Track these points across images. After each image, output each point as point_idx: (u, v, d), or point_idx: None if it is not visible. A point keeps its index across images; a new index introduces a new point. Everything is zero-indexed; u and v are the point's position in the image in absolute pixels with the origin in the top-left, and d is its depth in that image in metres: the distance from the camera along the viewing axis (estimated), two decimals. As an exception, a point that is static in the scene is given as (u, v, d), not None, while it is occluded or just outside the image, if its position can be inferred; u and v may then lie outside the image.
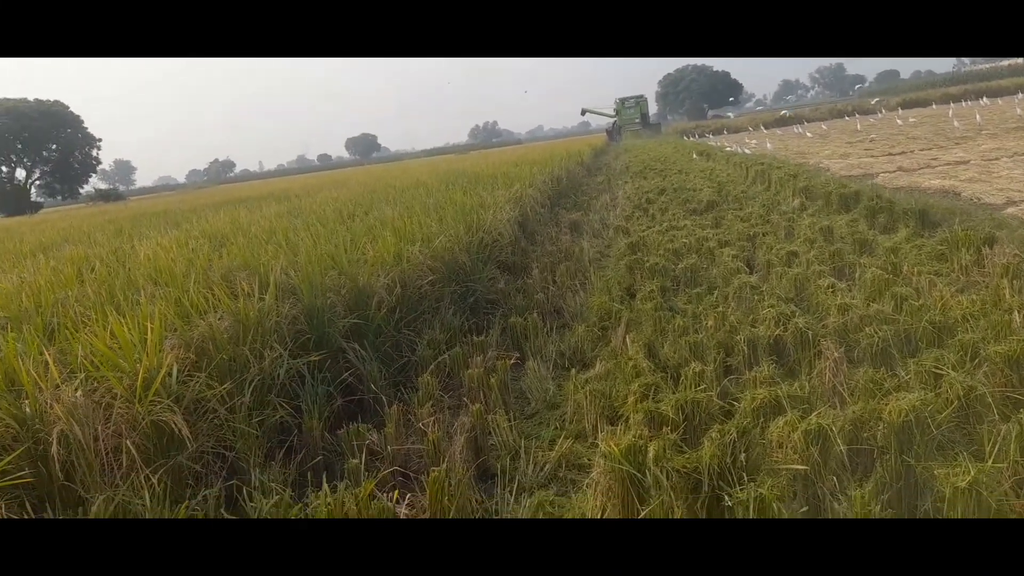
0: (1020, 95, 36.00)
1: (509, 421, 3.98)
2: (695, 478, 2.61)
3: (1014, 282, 4.82)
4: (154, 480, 2.87)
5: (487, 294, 6.42)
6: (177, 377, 3.38)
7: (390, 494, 2.80)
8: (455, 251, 6.32)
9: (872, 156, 15.76)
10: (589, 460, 3.41)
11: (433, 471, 2.88)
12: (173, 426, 3.11)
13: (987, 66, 71.01)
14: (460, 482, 2.91)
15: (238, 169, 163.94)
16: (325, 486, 2.73)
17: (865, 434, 2.83)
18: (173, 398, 3.23)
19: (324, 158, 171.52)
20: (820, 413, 2.85)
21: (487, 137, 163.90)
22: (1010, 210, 7.69)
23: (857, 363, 3.93)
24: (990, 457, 2.51)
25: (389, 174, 24.76)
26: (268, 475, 3.21)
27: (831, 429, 2.68)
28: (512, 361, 4.63)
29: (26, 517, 2.48)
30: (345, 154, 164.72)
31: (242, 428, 3.46)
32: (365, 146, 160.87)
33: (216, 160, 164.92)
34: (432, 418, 3.76)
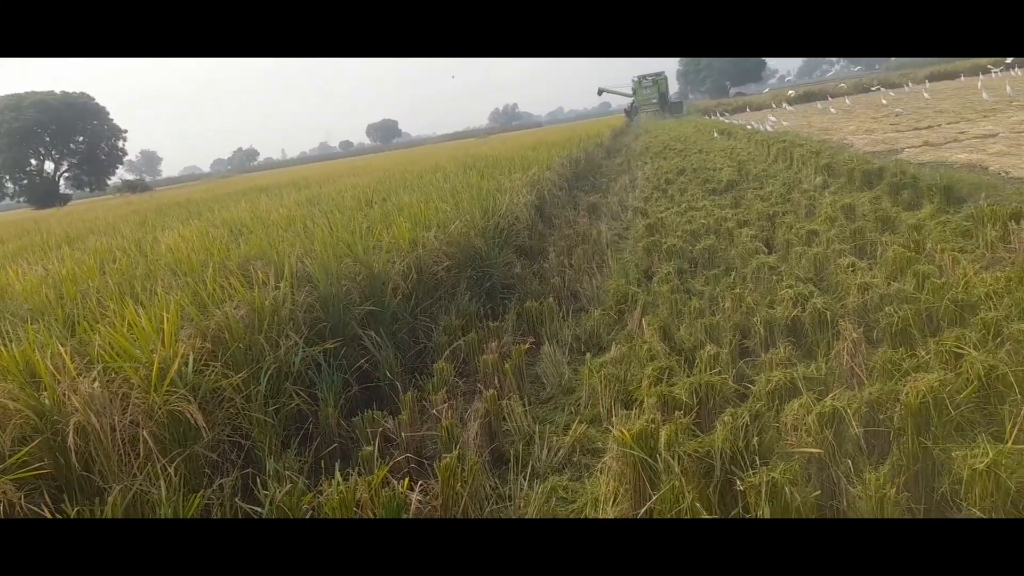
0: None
1: (524, 406, 3.98)
2: (707, 463, 2.59)
3: (1042, 258, 4.70)
4: (170, 469, 2.91)
5: (503, 279, 6.40)
6: (193, 367, 3.42)
7: (402, 481, 2.82)
8: (471, 236, 6.30)
9: (898, 131, 15.42)
10: (603, 445, 3.40)
11: (445, 457, 2.89)
12: (189, 416, 3.15)
13: (1020, 35, 68.77)
14: (473, 468, 2.91)
15: (261, 158, 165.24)
16: (337, 474, 2.75)
17: (882, 416, 2.78)
18: (189, 388, 3.27)
19: (346, 144, 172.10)
20: (836, 395, 2.81)
21: (507, 120, 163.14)
22: (1040, 183, 7.49)
23: (876, 343, 3.86)
24: (1010, 438, 2.45)
25: (408, 160, 24.78)
26: (283, 463, 3.24)
27: (846, 411, 2.64)
28: (527, 346, 4.62)
29: (43, 510, 2.52)
30: (367, 140, 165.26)
31: (258, 417, 3.50)
32: (386, 132, 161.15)
33: (240, 149, 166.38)
34: (446, 404, 3.77)
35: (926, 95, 25.54)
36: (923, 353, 3.48)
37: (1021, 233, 5.21)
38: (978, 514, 2.26)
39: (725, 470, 2.52)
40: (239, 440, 3.45)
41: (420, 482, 2.93)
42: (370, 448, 3.29)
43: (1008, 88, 21.28)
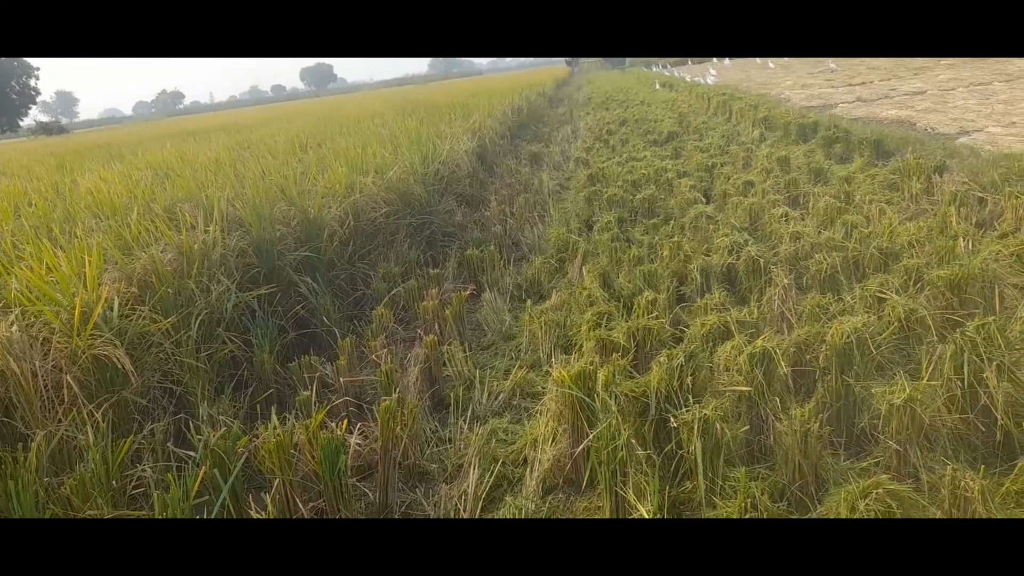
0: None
1: (464, 352, 3.98)
2: (643, 402, 2.65)
3: (960, 209, 4.92)
4: (98, 415, 2.82)
5: (444, 227, 6.33)
6: (119, 311, 3.29)
7: (341, 424, 2.79)
8: (410, 182, 6.18)
9: (833, 87, 15.76)
10: (543, 388, 3.44)
11: (384, 400, 2.87)
12: (116, 360, 3.03)
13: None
14: (412, 411, 2.91)
15: (187, 101, 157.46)
16: (274, 418, 2.70)
17: (809, 356, 2.89)
18: (115, 332, 3.14)
19: (278, 89, 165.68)
20: (766, 337, 2.90)
21: (447, 68, 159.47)
22: (962, 139, 7.79)
23: (806, 289, 4.00)
24: (925, 376, 2.59)
25: (345, 105, 24.00)
26: (217, 408, 3.17)
27: (775, 352, 2.72)
28: (468, 293, 4.60)
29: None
30: (300, 85, 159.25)
31: (189, 362, 3.40)
32: (321, 77, 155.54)
33: (164, 92, 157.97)
34: (386, 350, 3.74)
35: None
36: (849, 298, 3.63)
37: (943, 185, 5.44)
38: (893, 445, 2.39)
39: (660, 408, 2.59)
40: (170, 386, 3.35)
41: (359, 424, 2.92)
42: (307, 393, 3.24)
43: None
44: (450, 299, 4.45)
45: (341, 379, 3.53)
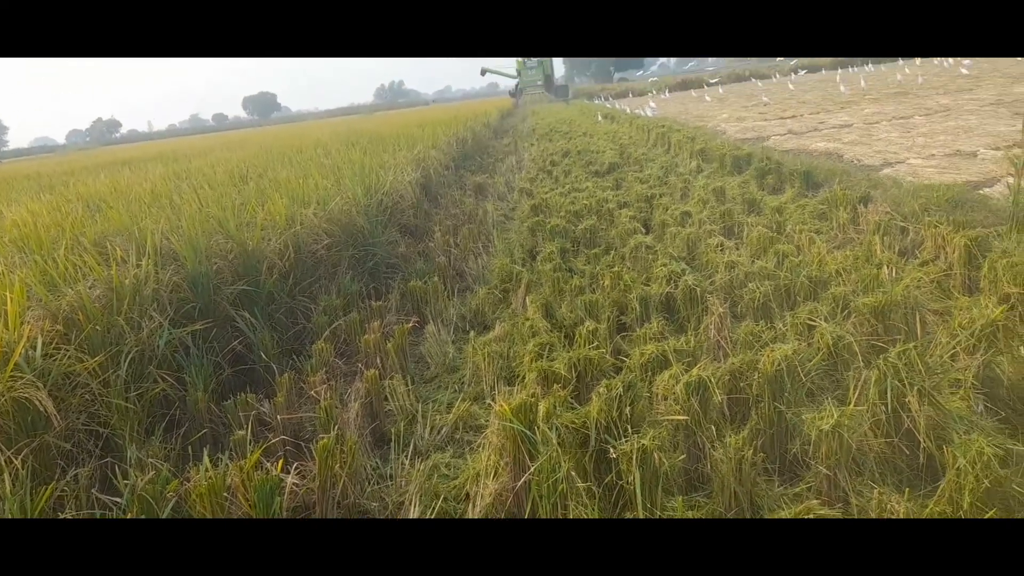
0: (901, 61, 38.33)
1: (406, 386, 3.94)
2: (583, 433, 2.67)
3: (884, 238, 5.15)
4: (16, 461, 2.68)
5: (387, 258, 6.30)
6: (42, 351, 3.15)
7: (277, 463, 2.72)
8: (353, 214, 6.14)
9: (765, 119, 16.39)
10: (486, 421, 3.43)
11: (322, 438, 2.81)
12: (38, 403, 2.90)
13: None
14: (351, 448, 2.85)
15: (124, 129, 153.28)
16: (206, 459, 2.62)
17: (742, 384, 2.96)
18: (37, 373, 3.00)
19: (220, 118, 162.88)
20: (702, 366, 2.96)
21: (393, 97, 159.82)
22: (886, 171, 8.18)
23: (741, 317, 4.11)
24: (852, 401, 2.68)
25: (288, 135, 23.78)
26: (146, 451, 3.05)
27: (711, 380, 2.79)
28: (411, 325, 4.57)
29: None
30: (243, 114, 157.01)
31: (118, 403, 3.27)
32: (264, 105, 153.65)
33: (99, 120, 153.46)
34: (325, 386, 3.68)
35: (791, 87, 27.31)
36: (781, 326, 3.75)
37: (868, 215, 5.69)
38: (823, 470, 2.46)
39: (600, 439, 2.61)
40: (97, 428, 3.21)
41: (296, 463, 2.85)
42: (243, 432, 3.15)
43: (863, 82, 23.09)
44: (393, 332, 4.41)
45: (279, 417, 3.45)
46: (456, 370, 4.34)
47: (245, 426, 3.28)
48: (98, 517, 2.53)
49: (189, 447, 3.21)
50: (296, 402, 3.67)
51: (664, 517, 2.34)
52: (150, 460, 2.94)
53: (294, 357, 4.42)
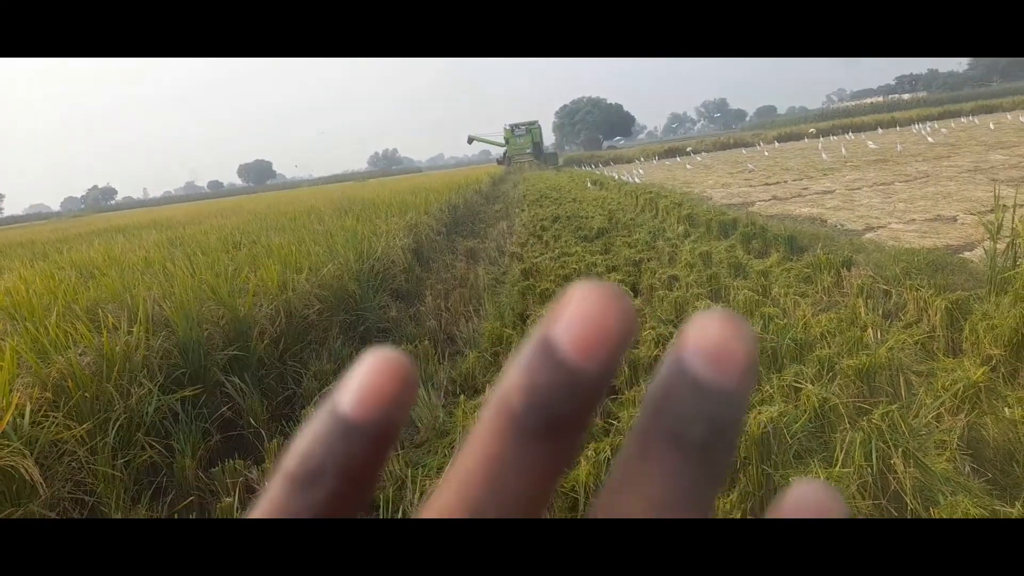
0: (879, 130, 39.70)
1: (396, 451, 3.92)
2: (572, 496, 2.67)
3: (868, 301, 5.25)
4: None
5: (378, 322, 6.33)
6: (30, 418, 3.14)
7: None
8: (344, 279, 6.21)
9: (750, 186, 16.80)
10: (475, 486, 3.41)
11: (310, 505, 2.79)
12: (24, 471, 2.87)
13: (852, 104, 78.24)
14: (339, 515, 2.83)
15: (120, 197, 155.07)
16: (192, 527, 2.59)
17: (731, 447, 2.97)
18: (24, 441, 2.99)
19: (215, 185, 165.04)
20: (691, 428, 2.98)
21: (387, 165, 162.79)
22: (868, 235, 8.38)
23: (729, 380, 4.14)
24: (838, 463, 2.70)
25: (282, 202, 24.10)
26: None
27: (699, 443, 2.80)
28: (401, 389, 4.57)
29: None
30: (238, 181, 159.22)
31: (104, 470, 3.24)
32: (259, 173, 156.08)
33: (95, 187, 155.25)
34: (314, 451, 3.65)
35: (766, 153, 28.10)
36: (768, 388, 3.78)
37: (851, 279, 5.81)
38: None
39: (589, 502, 2.60)
40: (82, 496, 3.17)
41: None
42: (230, 499, 3.12)
43: (843, 150, 23.81)
44: (383, 396, 4.40)
45: (267, 483, 3.41)
46: (446, 434, 4.32)
47: (232, 493, 3.24)
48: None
49: (175, 515, 3.17)
50: (284, 468, 3.65)
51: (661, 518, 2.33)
52: (135, 529, 2.90)
53: (284, 423, 4.40)
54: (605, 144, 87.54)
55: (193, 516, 2.96)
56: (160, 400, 3.78)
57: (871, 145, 24.06)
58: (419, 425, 4.49)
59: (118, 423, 3.46)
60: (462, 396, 4.54)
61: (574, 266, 7.87)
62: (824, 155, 22.57)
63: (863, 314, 4.95)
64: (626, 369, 4.34)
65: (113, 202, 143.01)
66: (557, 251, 9.39)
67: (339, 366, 5.06)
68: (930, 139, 24.22)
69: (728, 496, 2.61)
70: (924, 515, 2.55)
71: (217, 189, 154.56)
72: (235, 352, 4.48)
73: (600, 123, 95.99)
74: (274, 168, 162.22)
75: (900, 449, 2.62)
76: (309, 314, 5.43)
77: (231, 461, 3.55)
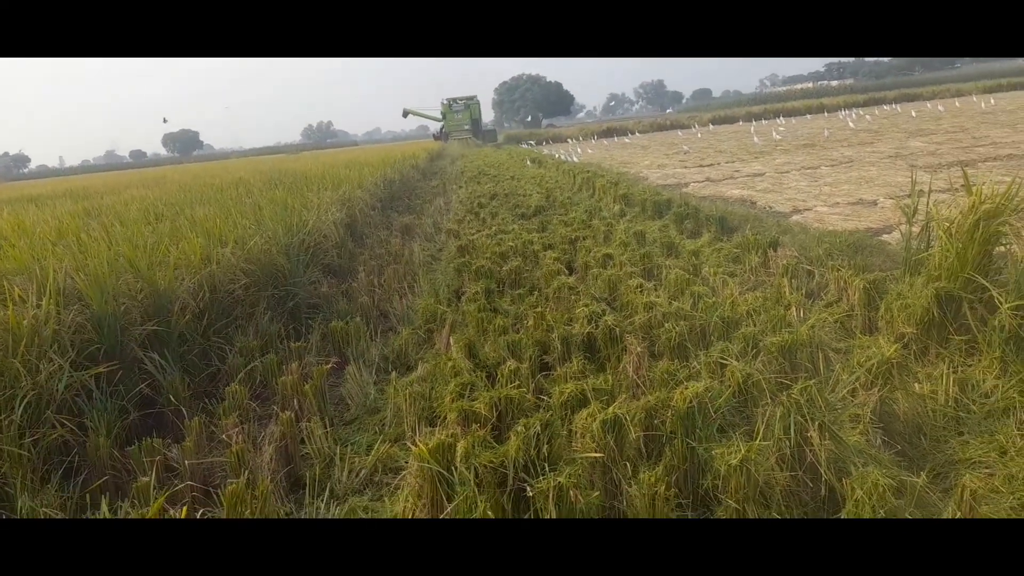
0: (808, 116, 41.05)
1: (325, 428, 3.85)
2: (502, 472, 2.66)
3: (792, 281, 5.42)
4: None
5: (308, 298, 6.18)
6: (-75, 396, 2.94)
7: (183, 510, 2.60)
8: (273, 253, 6.02)
9: (685, 167, 17.10)
10: (406, 462, 3.38)
11: (231, 483, 2.71)
12: (-84, 452, 2.69)
13: (783, 89, 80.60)
14: (263, 493, 2.76)
15: (33, 164, 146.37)
16: (104, 507, 2.48)
17: (657, 421, 3.03)
18: (-84, 420, 2.79)
19: (138, 155, 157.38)
20: (619, 404, 3.02)
21: (321, 138, 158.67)
22: (795, 217, 8.65)
23: (658, 356, 4.22)
24: (758, 436, 2.79)
25: (209, 173, 23.18)
26: (40, 500, 2.86)
27: (626, 418, 2.84)
28: (330, 366, 4.48)
29: None
30: (163, 151, 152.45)
31: (10, 450, 3.06)
32: (185, 143, 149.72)
33: (6, 154, 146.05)
34: (238, 429, 3.55)
35: (699, 136, 28.69)
36: (695, 364, 3.87)
37: (777, 259, 5.99)
38: (733, 505, 2.54)
39: (518, 478, 2.61)
40: (-16, 478, 2.99)
41: (202, 510, 2.72)
42: (146, 479, 3.00)
43: (775, 134, 24.49)
44: (312, 373, 4.31)
45: (187, 462, 3.30)
46: (377, 411, 4.27)
47: (150, 472, 3.12)
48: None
49: (88, 495, 3.03)
50: (206, 447, 3.53)
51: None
52: (43, 510, 2.75)
53: (206, 400, 4.25)
54: (545, 122, 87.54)
55: (105, 497, 2.82)
56: (72, 376, 3.59)
57: (806, 130, 24.83)
58: (349, 402, 4.41)
59: (25, 400, 3.27)
60: (394, 373, 4.49)
61: (510, 243, 7.85)
62: (756, 139, 23.17)
63: (787, 293, 5.11)
64: (559, 346, 4.36)
65: (26, 170, 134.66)
66: (494, 228, 9.35)
67: (266, 342, 4.92)
68: (851, 125, 25.19)
69: (654, 470, 2.66)
70: (837, 485, 2.66)
71: (140, 159, 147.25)
72: (154, 327, 4.29)
73: (540, 101, 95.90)
74: (201, 139, 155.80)
75: (816, 423, 2.72)
76: (235, 289, 5.25)
77: (149, 440, 3.41)
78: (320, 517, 2.71)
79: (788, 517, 2.39)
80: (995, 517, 2.36)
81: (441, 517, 2.66)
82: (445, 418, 3.47)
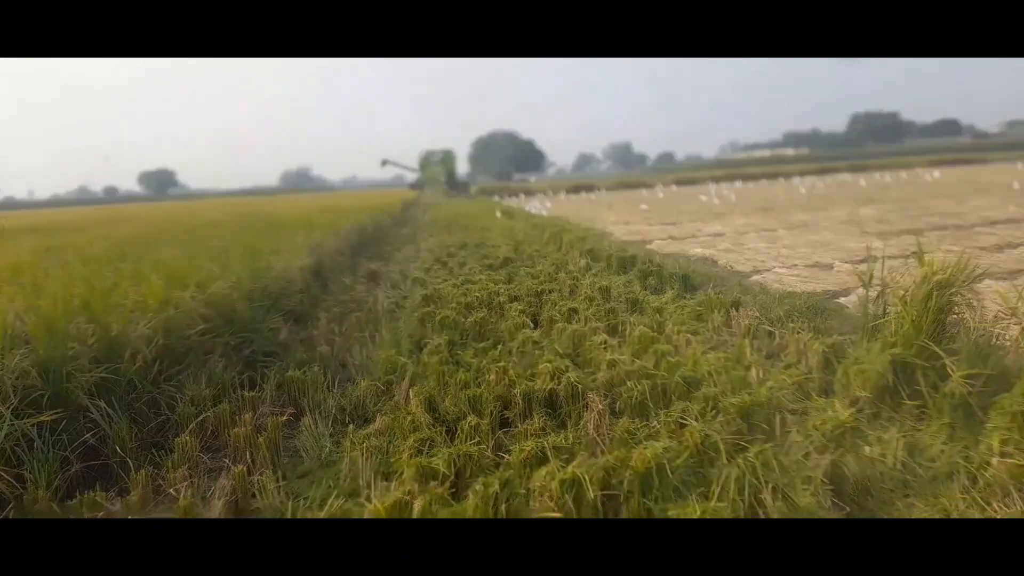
0: (764, 181, 42.65)
1: (277, 482, 3.73)
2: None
3: (753, 341, 5.49)
4: None
5: (266, 345, 6.07)
6: None
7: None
8: (234, 298, 5.93)
9: (649, 224, 17.43)
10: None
11: (173, 541, 2.60)
12: None
13: (743, 155, 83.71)
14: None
15: (0, 196, 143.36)
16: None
17: (615, 480, 3.00)
18: None
19: (111, 191, 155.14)
20: (579, 462, 3.00)
21: (299, 182, 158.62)
22: (755, 277, 8.83)
23: (619, 414, 4.21)
24: (714, 497, 2.78)
25: (183, 212, 22.98)
26: (-34, 557, 2.71)
27: (584, 477, 2.82)
28: (285, 417, 4.39)
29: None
30: (138, 188, 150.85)
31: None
32: (161, 181, 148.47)
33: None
34: (187, 482, 3.43)
35: (660, 195, 29.52)
36: (656, 423, 3.87)
37: (739, 319, 6.07)
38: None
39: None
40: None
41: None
42: (84, 535, 2.86)
43: (733, 197, 25.25)
44: (266, 424, 4.21)
45: (130, 517, 3.17)
46: (332, 464, 4.16)
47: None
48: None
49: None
50: (152, 500, 3.40)
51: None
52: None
53: (154, 451, 4.11)
54: (517, 177, 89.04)
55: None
56: (13, 425, 3.45)
57: (762, 194, 25.64)
58: (304, 455, 4.30)
59: (-41, 449, 3.13)
60: (351, 426, 4.40)
61: (477, 294, 7.85)
62: (716, 200, 23.87)
63: (748, 354, 5.17)
64: (520, 402, 4.34)
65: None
66: (461, 278, 9.36)
67: (219, 391, 4.80)
68: (802, 190, 26.15)
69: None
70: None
71: (113, 195, 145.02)
72: (103, 374, 4.17)
73: (513, 156, 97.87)
74: (178, 178, 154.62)
75: (771, 485, 2.72)
76: (190, 334, 5.14)
77: (91, 493, 3.28)
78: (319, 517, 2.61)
79: (788, 517, 2.37)
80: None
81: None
82: (402, 474, 3.41)
